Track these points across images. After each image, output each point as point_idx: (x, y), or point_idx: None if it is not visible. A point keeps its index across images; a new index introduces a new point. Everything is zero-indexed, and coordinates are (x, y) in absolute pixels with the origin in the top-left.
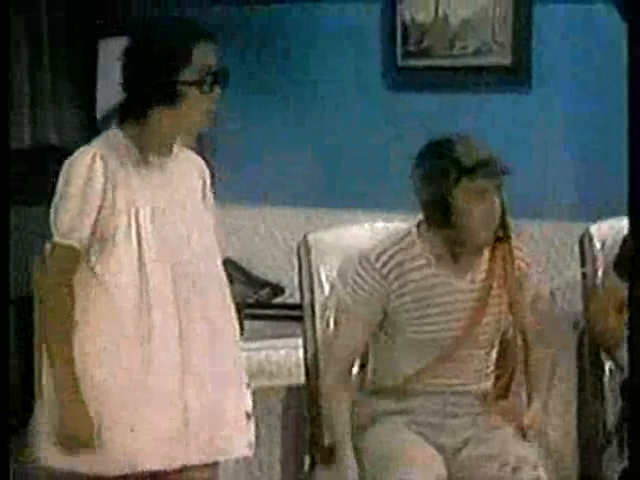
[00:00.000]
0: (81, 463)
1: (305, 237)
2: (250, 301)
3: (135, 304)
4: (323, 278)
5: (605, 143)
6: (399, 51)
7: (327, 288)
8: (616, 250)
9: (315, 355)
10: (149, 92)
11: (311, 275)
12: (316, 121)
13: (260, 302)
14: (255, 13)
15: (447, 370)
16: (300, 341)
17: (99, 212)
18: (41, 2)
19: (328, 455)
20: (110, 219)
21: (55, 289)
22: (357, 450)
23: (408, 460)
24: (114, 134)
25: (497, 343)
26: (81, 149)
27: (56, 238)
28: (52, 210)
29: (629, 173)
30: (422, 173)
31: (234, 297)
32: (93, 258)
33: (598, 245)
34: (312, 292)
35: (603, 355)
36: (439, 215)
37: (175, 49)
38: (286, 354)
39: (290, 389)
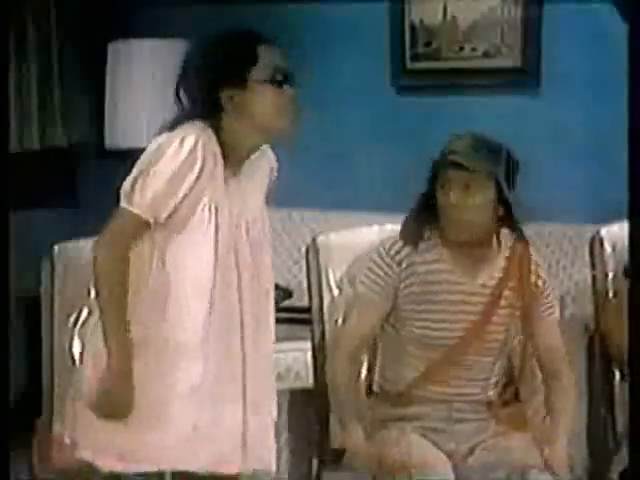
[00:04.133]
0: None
1: (314, 240)
2: None
3: (199, 300)
4: (332, 281)
5: (615, 145)
6: (407, 54)
7: (336, 291)
8: (627, 254)
9: (324, 357)
10: (221, 94)
11: (320, 278)
12: (324, 123)
13: None
14: (261, 15)
15: (451, 377)
16: (308, 344)
17: (184, 198)
18: (50, 5)
19: (336, 458)
20: (191, 208)
21: (116, 252)
22: (366, 455)
23: (418, 463)
24: (204, 126)
25: (504, 353)
26: (181, 131)
27: (131, 208)
28: (132, 178)
29: (629, 173)
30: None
31: None
32: (159, 236)
33: (609, 248)
34: (321, 295)
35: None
36: (431, 209)
37: (241, 48)
38: (294, 357)
39: (295, 392)
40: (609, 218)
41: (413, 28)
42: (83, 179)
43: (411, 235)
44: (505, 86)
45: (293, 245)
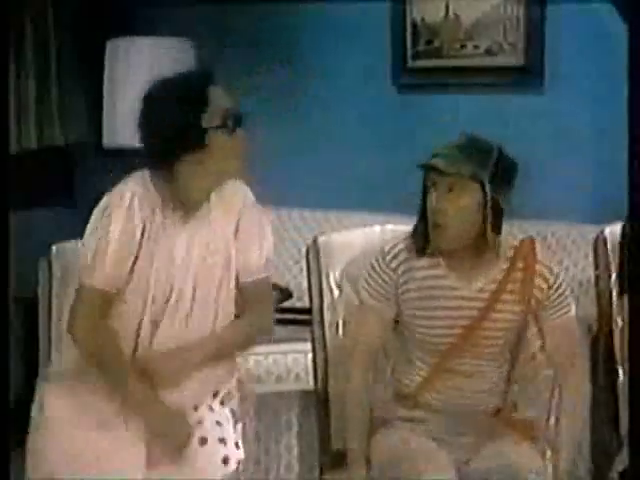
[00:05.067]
0: None
1: (314, 240)
2: None
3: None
4: (332, 282)
5: (619, 144)
6: (409, 52)
7: (336, 292)
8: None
9: (324, 359)
10: (173, 142)
11: (320, 278)
12: (325, 123)
13: None
14: (263, 15)
15: (453, 387)
16: (309, 345)
17: (135, 258)
18: (48, 4)
19: (337, 460)
20: (137, 265)
21: (95, 335)
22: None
23: (421, 461)
24: (147, 177)
25: (506, 360)
26: (117, 189)
27: (92, 282)
28: (85, 248)
29: (629, 174)
30: None
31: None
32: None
33: (612, 248)
34: (321, 296)
35: (617, 359)
36: (421, 213)
37: (191, 94)
38: (294, 359)
39: (304, 393)
40: (613, 218)
41: (415, 26)
42: (81, 179)
43: (416, 243)
44: (508, 85)
45: (293, 245)
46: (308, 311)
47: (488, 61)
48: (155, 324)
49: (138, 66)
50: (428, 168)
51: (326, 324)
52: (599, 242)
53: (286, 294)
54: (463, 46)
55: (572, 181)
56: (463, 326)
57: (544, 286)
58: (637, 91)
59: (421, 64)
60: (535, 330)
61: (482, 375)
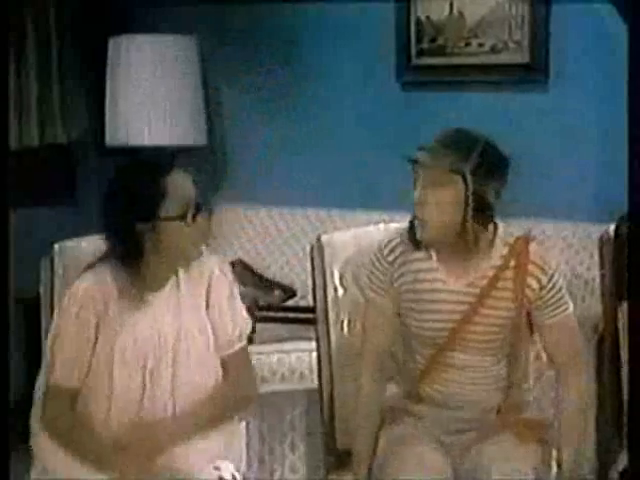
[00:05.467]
0: None
1: (319, 239)
2: (262, 304)
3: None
4: (336, 280)
5: (624, 142)
6: (413, 49)
7: (340, 290)
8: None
9: (329, 358)
10: (132, 234)
11: (324, 277)
12: (328, 121)
13: (272, 305)
14: (266, 12)
15: (450, 378)
16: (313, 344)
17: (87, 352)
18: (49, 2)
19: (342, 460)
20: (94, 357)
21: (66, 428)
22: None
23: (411, 462)
24: (104, 272)
25: (502, 355)
26: (75, 284)
27: (53, 380)
28: (48, 346)
29: (629, 175)
30: None
31: (245, 299)
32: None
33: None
34: (325, 294)
35: (623, 359)
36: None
37: (149, 184)
38: (298, 357)
39: (308, 392)
40: (618, 217)
41: (419, 24)
42: (83, 177)
43: (409, 236)
44: (513, 82)
45: (297, 244)
46: (312, 310)
47: (493, 59)
48: (138, 404)
49: (140, 64)
50: (411, 162)
51: (330, 322)
52: (604, 241)
53: (290, 293)
54: (468, 44)
55: (577, 179)
56: (454, 320)
57: (536, 286)
58: (637, 91)
59: (425, 62)
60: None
61: (479, 370)
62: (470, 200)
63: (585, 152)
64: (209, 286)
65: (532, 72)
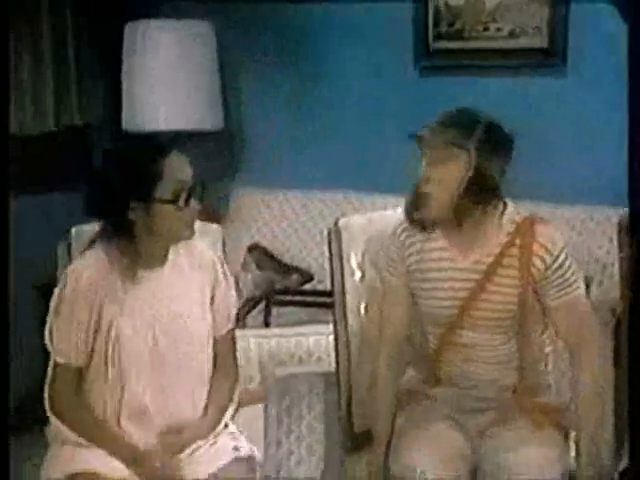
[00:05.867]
0: None
1: (336, 222)
2: (279, 287)
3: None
4: (354, 264)
5: None
6: (430, 34)
7: (358, 274)
8: None
9: (346, 342)
10: (126, 213)
11: (342, 261)
12: (347, 105)
13: (289, 288)
14: None
15: (462, 357)
16: (330, 327)
17: (88, 330)
18: None
19: (359, 442)
20: (96, 336)
21: (71, 410)
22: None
23: (414, 451)
24: (98, 251)
25: (512, 333)
26: (69, 268)
27: (57, 358)
28: (47, 328)
29: (629, 174)
30: None
31: (262, 283)
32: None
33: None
34: (343, 278)
35: None
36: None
37: (144, 165)
38: (316, 341)
39: (325, 375)
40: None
41: (437, 8)
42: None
43: (406, 213)
44: (530, 67)
45: (314, 227)
46: (329, 293)
47: (511, 43)
48: (143, 382)
49: (156, 49)
50: (415, 139)
51: (348, 306)
52: (623, 225)
53: (307, 276)
54: (486, 28)
55: (596, 163)
56: (462, 298)
57: (541, 266)
58: (637, 91)
59: (443, 46)
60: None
61: (489, 348)
62: (473, 177)
63: (603, 136)
64: (214, 273)
65: (550, 57)
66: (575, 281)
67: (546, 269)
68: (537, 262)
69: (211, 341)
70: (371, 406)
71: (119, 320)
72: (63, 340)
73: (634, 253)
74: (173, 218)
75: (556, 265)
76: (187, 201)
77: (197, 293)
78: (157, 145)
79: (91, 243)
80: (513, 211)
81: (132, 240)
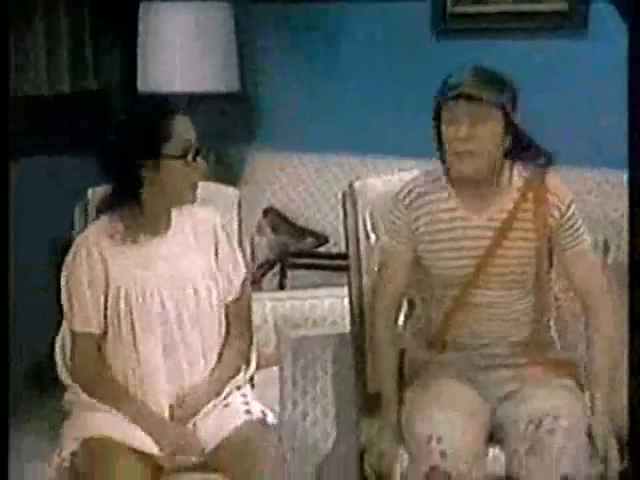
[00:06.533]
0: None
1: (351, 185)
2: (294, 250)
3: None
4: (369, 227)
5: None
6: None
7: (372, 237)
8: None
9: (360, 304)
10: (135, 173)
11: (357, 224)
12: (362, 69)
13: (304, 251)
14: None
15: (476, 317)
16: (345, 291)
17: (100, 298)
18: None
19: (373, 403)
20: (107, 303)
21: (95, 377)
22: (401, 400)
23: (451, 402)
24: (105, 221)
25: (528, 288)
26: (76, 240)
27: (75, 327)
28: (64, 299)
29: (629, 174)
30: None
31: (277, 246)
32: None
33: None
34: (357, 241)
35: None
36: (438, 147)
37: (154, 124)
38: (330, 304)
39: (339, 337)
40: None
41: None
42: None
43: (444, 173)
44: (551, 30)
45: (329, 190)
46: (344, 256)
47: (531, 6)
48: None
49: (172, 25)
50: (454, 97)
51: (362, 269)
52: None
53: (322, 240)
54: None
55: (612, 128)
56: (477, 256)
57: (557, 215)
58: (637, 91)
59: (462, 10)
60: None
61: (505, 305)
62: (509, 134)
63: (622, 99)
64: (215, 237)
65: (570, 19)
66: (584, 231)
67: (561, 217)
68: (553, 211)
69: (221, 306)
70: (375, 367)
71: (128, 286)
72: (81, 310)
73: None
74: (180, 174)
75: (570, 213)
76: (194, 158)
77: (201, 259)
78: (165, 106)
79: (98, 213)
80: (521, 167)
81: (138, 204)
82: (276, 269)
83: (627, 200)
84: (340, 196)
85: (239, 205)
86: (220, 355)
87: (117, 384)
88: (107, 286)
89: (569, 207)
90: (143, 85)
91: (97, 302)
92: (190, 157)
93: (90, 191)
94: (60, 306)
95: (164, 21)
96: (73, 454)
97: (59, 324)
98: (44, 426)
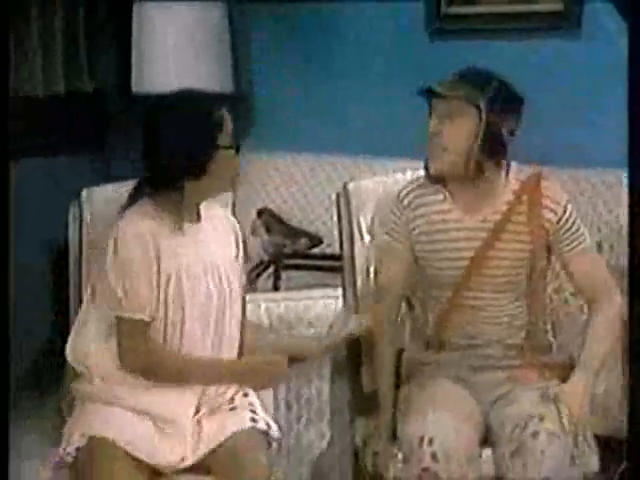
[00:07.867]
0: None
1: (345, 186)
2: (288, 251)
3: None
4: (363, 228)
5: None
6: None
7: (367, 238)
8: None
9: (355, 305)
10: (185, 162)
11: (351, 225)
12: (357, 69)
13: (298, 252)
14: None
15: (470, 320)
16: (339, 291)
17: (151, 283)
18: None
19: (368, 404)
20: (158, 289)
21: (153, 360)
22: (397, 399)
23: (412, 420)
24: (148, 205)
25: (521, 291)
26: (125, 223)
27: (127, 314)
28: (114, 283)
29: (629, 174)
30: None
31: (271, 247)
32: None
33: None
34: (352, 242)
35: None
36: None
37: (212, 116)
38: (325, 304)
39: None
40: None
41: None
42: (110, 124)
43: (425, 174)
44: (545, 30)
45: (323, 192)
46: (338, 257)
47: (526, 7)
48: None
49: (166, 25)
50: (426, 93)
51: (357, 270)
52: None
53: (316, 240)
54: None
55: (608, 126)
56: (469, 258)
57: (553, 218)
58: (637, 91)
59: (456, 10)
60: (559, 269)
61: (497, 309)
62: (484, 132)
63: (616, 99)
64: (236, 233)
65: (565, 20)
66: (583, 232)
67: (558, 220)
68: (549, 215)
69: (241, 298)
70: (372, 365)
71: (179, 272)
72: (136, 296)
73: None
74: (232, 164)
75: (567, 215)
76: (238, 149)
77: (229, 249)
78: (215, 97)
79: (132, 199)
80: (517, 170)
81: (181, 192)
82: (270, 270)
83: (623, 201)
84: (334, 196)
85: (233, 205)
86: (240, 347)
87: (184, 356)
88: (158, 272)
89: (565, 210)
90: (138, 85)
91: (150, 288)
92: (235, 146)
93: (84, 192)
94: (59, 304)
95: (158, 21)
96: (78, 450)
97: (57, 323)
98: (44, 425)
